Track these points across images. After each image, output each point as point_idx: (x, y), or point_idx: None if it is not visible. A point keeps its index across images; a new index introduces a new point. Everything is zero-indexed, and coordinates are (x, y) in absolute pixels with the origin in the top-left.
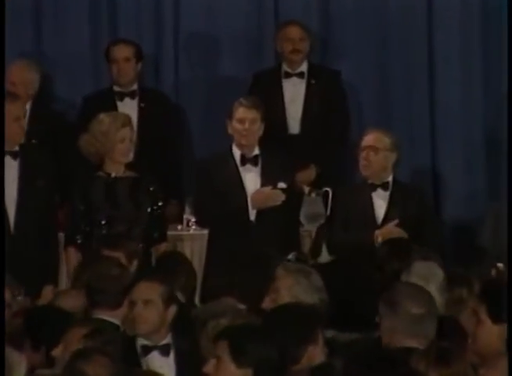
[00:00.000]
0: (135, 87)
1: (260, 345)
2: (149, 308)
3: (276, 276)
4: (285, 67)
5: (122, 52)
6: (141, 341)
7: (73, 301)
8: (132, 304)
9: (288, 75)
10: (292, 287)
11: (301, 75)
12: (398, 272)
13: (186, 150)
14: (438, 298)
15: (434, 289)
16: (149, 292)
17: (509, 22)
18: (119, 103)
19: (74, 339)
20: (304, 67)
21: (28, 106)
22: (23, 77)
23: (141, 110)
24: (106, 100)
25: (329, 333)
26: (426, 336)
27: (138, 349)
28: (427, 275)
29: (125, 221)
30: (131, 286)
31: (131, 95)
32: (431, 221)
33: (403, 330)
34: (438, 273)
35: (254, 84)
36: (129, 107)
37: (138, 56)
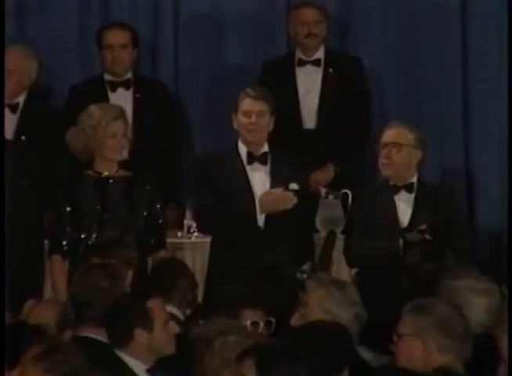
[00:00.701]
0: (129, 76)
1: (288, 365)
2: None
3: (306, 289)
4: (299, 54)
5: (118, 37)
6: (142, 365)
7: (48, 315)
8: (165, 324)
9: (302, 63)
10: (323, 300)
11: (317, 63)
12: (431, 277)
13: (187, 147)
14: (482, 316)
15: (482, 305)
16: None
17: (509, 22)
18: (111, 94)
19: (29, 361)
20: (320, 54)
21: (22, 99)
22: (19, 65)
23: (136, 102)
24: (96, 90)
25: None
26: (464, 356)
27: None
28: (481, 290)
29: (118, 225)
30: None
31: (126, 84)
32: (462, 226)
33: (448, 349)
34: (494, 289)
35: (264, 73)
36: (123, 98)
37: (135, 41)
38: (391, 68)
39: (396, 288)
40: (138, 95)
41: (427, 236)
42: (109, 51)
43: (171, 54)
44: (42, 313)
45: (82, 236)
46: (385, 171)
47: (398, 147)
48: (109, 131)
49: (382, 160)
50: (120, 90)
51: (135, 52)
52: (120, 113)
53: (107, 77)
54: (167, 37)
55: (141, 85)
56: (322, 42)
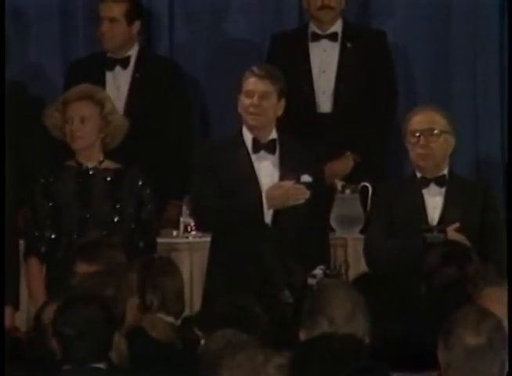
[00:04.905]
0: (130, 53)
1: None
2: None
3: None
4: (313, 27)
5: (108, 10)
6: None
7: None
8: None
9: (317, 37)
10: None
11: (333, 37)
12: (451, 284)
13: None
14: None
15: None
16: None
17: (509, 22)
18: (108, 73)
19: None
20: (337, 27)
21: None
22: None
23: (134, 82)
24: (94, 68)
25: None
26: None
27: None
28: None
29: (102, 225)
30: None
31: (124, 62)
32: (497, 226)
33: (457, 368)
34: None
35: (272, 49)
36: (120, 78)
37: (132, 14)
38: (419, 43)
39: (414, 296)
40: (138, 75)
41: (453, 236)
42: (99, 25)
43: (165, 26)
44: None
45: (61, 237)
46: (422, 161)
47: (435, 134)
48: (67, 114)
49: (417, 150)
50: (118, 69)
51: (134, 26)
52: (82, 93)
53: (108, 53)
54: (161, 6)
55: (145, 64)
56: (339, 15)
